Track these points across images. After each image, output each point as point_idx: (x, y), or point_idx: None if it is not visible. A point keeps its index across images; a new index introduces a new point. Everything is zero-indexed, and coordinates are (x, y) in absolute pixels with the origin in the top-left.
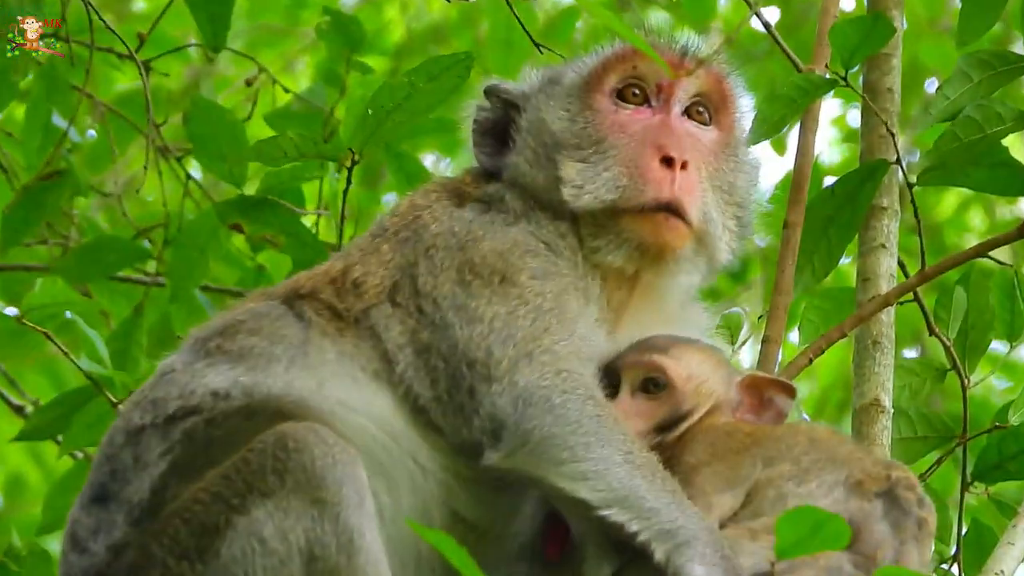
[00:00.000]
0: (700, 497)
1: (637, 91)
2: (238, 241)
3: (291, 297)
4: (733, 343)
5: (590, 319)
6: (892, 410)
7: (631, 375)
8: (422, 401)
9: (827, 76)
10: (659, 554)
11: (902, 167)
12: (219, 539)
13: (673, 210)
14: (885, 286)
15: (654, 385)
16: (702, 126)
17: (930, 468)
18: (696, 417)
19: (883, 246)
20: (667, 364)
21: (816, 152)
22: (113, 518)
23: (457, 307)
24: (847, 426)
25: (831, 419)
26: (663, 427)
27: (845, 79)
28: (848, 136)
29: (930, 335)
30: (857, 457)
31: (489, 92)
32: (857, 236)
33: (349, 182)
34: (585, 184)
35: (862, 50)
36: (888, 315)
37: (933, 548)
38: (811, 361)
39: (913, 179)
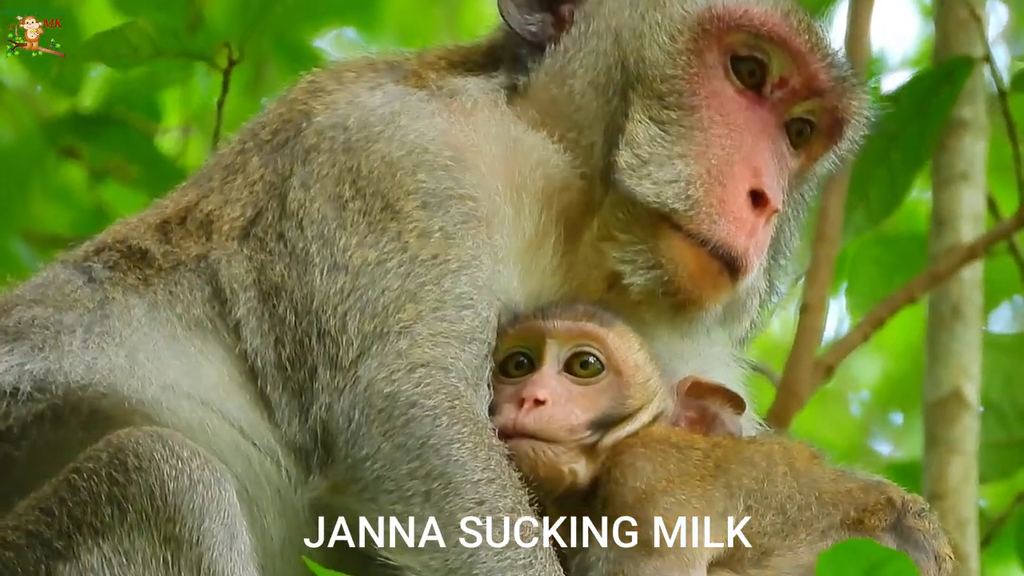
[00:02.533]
0: (664, 535)
1: (755, 71)
2: (72, 171)
3: (88, 254)
4: None
5: (492, 259)
6: (979, 405)
7: (558, 344)
8: (260, 362)
9: None
10: None
11: (993, 66)
12: None
13: (734, 266)
14: (969, 231)
15: (583, 365)
16: (792, 149)
17: None
18: (640, 423)
19: (965, 175)
20: (610, 340)
21: (874, 42)
22: None
23: (324, 240)
24: (917, 427)
25: (904, 414)
26: (599, 425)
27: None
28: (925, 13)
29: None
30: (845, 488)
31: None
32: (930, 161)
33: (226, 89)
34: (650, 162)
35: None
36: (973, 272)
37: None
38: (867, 337)
39: (1007, 83)
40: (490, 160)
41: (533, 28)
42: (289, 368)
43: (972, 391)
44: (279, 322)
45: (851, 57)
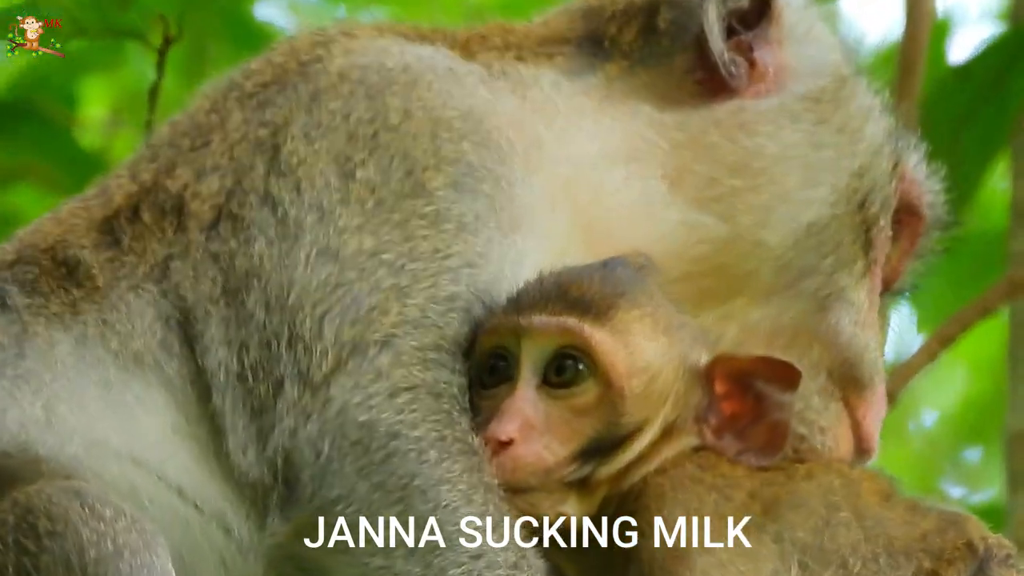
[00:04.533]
0: None
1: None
2: None
3: (2, 265)
4: None
5: (501, 259)
6: None
7: (536, 346)
8: (222, 374)
9: None
10: None
11: None
12: None
13: (863, 456)
14: None
15: (559, 371)
16: None
17: None
18: (645, 442)
19: None
20: (596, 341)
21: (939, 5)
22: None
23: (321, 213)
24: (994, 461)
25: (981, 447)
26: (588, 454)
27: None
28: None
29: None
30: (919, 532)
31: None
32: (1008, 147)
33: (161, 71)
34: (863, 325)
35: None
36: None
37: None
38: (934, 358)
39: None
40: (552, 163)
41: (734, 69)
42: (251, 378)
43: None
44: (245, 320)
45: (914, 24)
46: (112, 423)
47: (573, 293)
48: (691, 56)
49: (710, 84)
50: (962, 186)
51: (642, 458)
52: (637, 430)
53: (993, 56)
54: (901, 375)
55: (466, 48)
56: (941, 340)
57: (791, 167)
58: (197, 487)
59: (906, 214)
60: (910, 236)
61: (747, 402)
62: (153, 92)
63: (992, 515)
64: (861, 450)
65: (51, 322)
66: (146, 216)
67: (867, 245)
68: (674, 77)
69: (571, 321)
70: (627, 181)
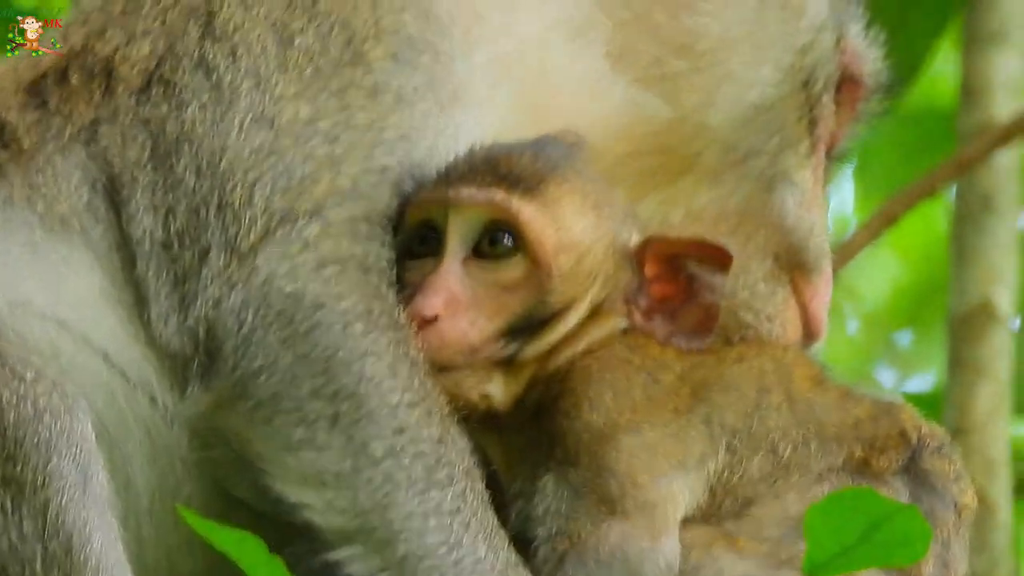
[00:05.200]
0: (629, 489)
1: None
2: None
3: None
4: None
5: (435, 134)
6: (1015, 318)
7: (463, 220)
8: (148, 242)
9: None
10: None
11: None
12: None
13: (811, 338)
14: (1005, 104)
15: (492, 242)
16: None
17: None
18: (572, 322)
19: (1000, 36)
20: (525, 216)
21: None
22: None
23: (257, 79)
24: (938, 345)
25: (917, 332)
26: (515, 332)
27: None
28: None
29: None
30: (852, 419)
31: None
32: (958, 20)
33: None
34: (808, 207)
35: None
36: (1009, 155)
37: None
38: (877, 236)
39: None
40: (494, 38)
41: None
42: (176, 245)
43: (1005, 300)
44: (174, 186)
45: None
46: (37, 284)
47: (503, 167)
48: None
49: None
50: (910, 62)
51: (569, 338)
52: (564, 309)
53: None
54: (842, 255)
55: None
56: (885, 219)
57: (735, 47)
58: (123, 352)
59: (846, 83)
60: (850, 103)
61: (678, 284)
62: None
63: (930, 399)
64: (809, 334)
65: None
66: (74, 79)
67: (811, 124)
68: None
69: (499, 195)
70: (570, 58)
